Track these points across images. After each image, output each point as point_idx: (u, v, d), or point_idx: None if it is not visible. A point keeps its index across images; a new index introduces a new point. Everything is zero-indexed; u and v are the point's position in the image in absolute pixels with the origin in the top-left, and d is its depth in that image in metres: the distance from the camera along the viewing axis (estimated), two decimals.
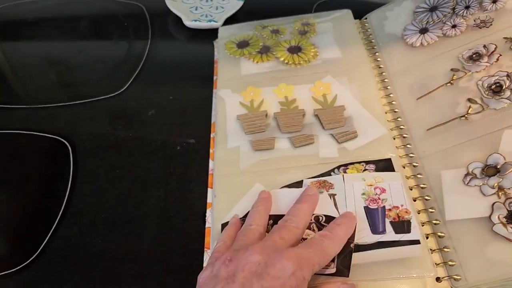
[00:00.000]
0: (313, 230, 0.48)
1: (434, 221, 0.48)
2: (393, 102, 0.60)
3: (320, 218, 0.49)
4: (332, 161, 0.54)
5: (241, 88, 0.63)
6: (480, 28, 0.58)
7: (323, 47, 0.67)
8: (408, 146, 0.55)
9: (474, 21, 0.60)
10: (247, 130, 0.57)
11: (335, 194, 0.51)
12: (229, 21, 0.78)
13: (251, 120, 0.58)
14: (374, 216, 0.48)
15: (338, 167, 0.53)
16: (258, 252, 0.40)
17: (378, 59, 0.65)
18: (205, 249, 0.50)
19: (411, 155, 0.54)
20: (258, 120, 0.58)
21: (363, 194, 0.50)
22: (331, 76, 0.63)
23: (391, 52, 0.65)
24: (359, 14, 0.74)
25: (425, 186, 0.51)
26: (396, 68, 0.63)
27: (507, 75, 0.52)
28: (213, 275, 0.40)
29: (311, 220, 0.48)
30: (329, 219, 0.48)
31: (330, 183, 0.52)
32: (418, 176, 0.52)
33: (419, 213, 0.49)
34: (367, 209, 0.49)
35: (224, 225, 0.50)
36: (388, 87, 0.61)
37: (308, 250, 0.40)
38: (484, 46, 0.56)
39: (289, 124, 0.57)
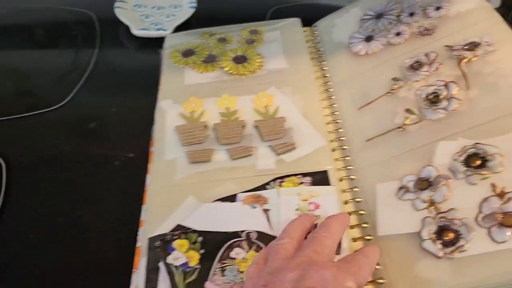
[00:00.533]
0: (242, 248, 0.46)
1: (367, 237, 0.47)
2: (336, 113, 0.58)
3: (251, 234, 0.47)
4: (269, 173, 0.53)
5: (183, 99, 0.61)
6: (423, 35, 0.57)
7: (269, 57, 0.66)
8: (347, 158, 0.53)
9: (418, 28, 0.59)
10: (184, 142, 0.56)
11: (269, 210, 0.49)
12: (182, 29, 0.76)
13: (189, 131, 0.57)
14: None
15: (275, 180, 0.52)
16: (292, 269, 0.37)
17: (324, 68, 0.64)
18: (133, 269, 0.48)
19: (349, 167, 0.52)
20: (197, 131, 0.57)
21: (297, 210, 0.49)
22: (275, 87, 0.61)
23: (337, 61, 0.64)
24: (317, 20, 0.73)
25: (360, 200, 0.49)
26: (341, 77, 0.62)
27: (445, 85, 0.51)
28: None
29: (241, 237, 0.47)
30: (261, 235, 0.47)
31: (265, 197, 0.50)
32: (355, 189, 0.51)
33: (352, 228, 0.48)
34: None
35: (151, 240, 0.48)
36: (332, 97, 0.60)
37: (346, 264, 0.38)
38: (426, 55, 0.55)
39: (227, 135, 0.56)
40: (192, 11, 0.79)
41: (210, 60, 0.66)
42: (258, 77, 0.63)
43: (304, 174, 0.52)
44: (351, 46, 0.63)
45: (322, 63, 0.65)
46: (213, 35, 0.70)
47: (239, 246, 0.47)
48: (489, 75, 0.49)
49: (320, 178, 0.52)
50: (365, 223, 0.48)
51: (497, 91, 0.48)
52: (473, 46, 0.52)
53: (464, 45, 0.53)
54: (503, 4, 0.78)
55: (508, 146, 0.44)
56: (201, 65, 0.65)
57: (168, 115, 0.60)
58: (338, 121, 0.58)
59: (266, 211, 0.49)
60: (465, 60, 0.51)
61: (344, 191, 0.51)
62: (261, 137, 0.56)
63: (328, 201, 0.49)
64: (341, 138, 0.56)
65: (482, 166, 0.43)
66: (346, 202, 0.50)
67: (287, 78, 0.63)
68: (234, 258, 0.46)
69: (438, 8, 0.58)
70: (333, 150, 0.55)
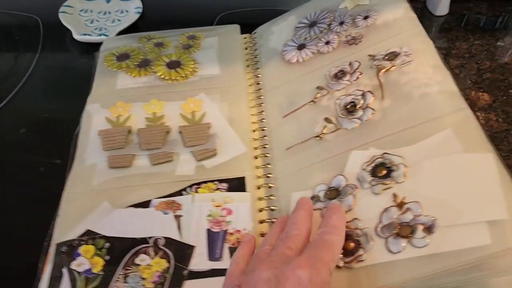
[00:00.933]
0: (148, 254, 0.45)
1: None
2: (263, 120, 0.58)
3: (159, 240, 0.47)
4: (188, 179, 0.52)
5: (112, 103, 0.61)
6: (350, 45, 0.57)
7: (204, 63, 0.65)
8: (268, 166, 0.53)
9: (346, 37, 0.59)
10: (106, 147, 0.55)
11: (181, 216, 0.49)
12: (127, 34, 0.75)
13: (111, 136, 0.56)
14: (214, 241, 0.47)
15: (191, 186, 0.51)
16: (266, 268, 0.37)
17: (258, 75, 0.64)
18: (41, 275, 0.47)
19: (269, 175, 0.52)
20: (119, 136, 0.56)
21: (209, 215, 0.48)
22: (205, 93, 0.61)
23: (270, 69, 0.63)
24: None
25: (275, 208, 0.49)
26: (272, 85, 0.61)
27: (362, 94, 0.51)
28: None
29: (149, 243, 0.46)
30: (169, 241, 0.46)
31: (178, 203, 0.50)
32: (271, 197, 0.50)
33: (263, 236, 0.47)
34: (209, 232, 0.47)
35: (59, 245, 0.47)
36: (262, 105, 0.60)
37: (315, 250, 0.38)
38: (350, 64, 0.55)
39: (150, 140, 0.55)
40: (137, 16, 0.79)
41: (144, 65, 0.65)
42: (190, 83, 0.63)
43: (221, 180, 0.52)
44: (284, 54, 0.63)
45: (257, 70, 0.65)
46: (150, 40, 0.70)
47: (145, 252, 0.46)
48: (404, 85, 0.49)
49: (236, 185, 0.51)
50: None
51: (409, 101, 0.48)
52: (393, 56, 0.52)
53: (385, 55, 0.53)
54: (456, 12, 0.78)
55: (413, 157, 0.44)
56: (135, 69, 0.65)
57: (94, 119, 0.59)
58: (264, 128, 0.57)
59: (178, 217, 0.49)
60: (383, 70, 0.51)
61: (260, 198, 0.51)
62: (183, 143, 0.55)
63: (240, 207, 0.49)
64: (265, 146, 0.55)
65: (387, 176, 0.43)
66: (261, 210, 0.50)
67: (218, 85, 0.62)
68: (138, 265, 0.45)
69: (366, 18, 0.59)
70: (256, 157, 0.55)
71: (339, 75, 0.54)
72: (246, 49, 0.69)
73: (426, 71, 0.49)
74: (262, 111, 0.59)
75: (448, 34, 0.75)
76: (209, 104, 0.59)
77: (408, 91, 0.48)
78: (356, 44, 0.57)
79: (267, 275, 0.36)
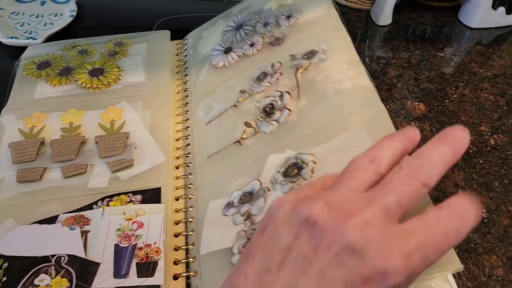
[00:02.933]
0: (49, 274, 0.42)
1: (191, 259, 0.43)
2: (188, 128, 0.55)
3: (62, 258, 0.44)
4: (100, 191, 0.49)
5: (28, 114, 0.57)
6: (274, 45, 0.55)
7: (128, 70, 0.63)
8: (189, 176, 0.50)
9: (270, 38, 0.57)
10: (15, 160, 0.52)
11: (89, 231, 0.46)
12: (59, 38, 0.73)
13: (22, 148, 0.53)
14: (121, 256, 0.44)
15: (103, 199, 0.48)
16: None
17: (187, 82, 0.61)
18: None
19: (189, 186, 0.49)
20: (30, 148, 0.53)
21: (118, 230, 0.46)
22: (127, 101, 0.58)
23: (199, 75, 0.61)
24: None
25: (193, 220, 0.46)
26: (200, 91, 0.59)
27: (280, 95, 0.49)
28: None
29: (51, 261, 0.43)
30: (73, 259, 0.43)
31: (87, 218, 0.47)
32: (190, 209, 0.48)
33: (177, 250, 0.44)
34: (116, 247, 0.44)
35: None
36: (188, 112, 0.57)
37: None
38: (272, 65, 0.53)
39: (62, 152, 0.52)
40: (70, 19, 0.76)
41: (65, 73, 0.63)
42: (112, 91, 0.60)
43: (136, 192, 0.49)
44: (211, 59, 0.60)
45: (185, 76, 0.62)
46: (75, 47, 0.67)
47: (46, 272, 0.43)
48: (319, 83, 0.47)
49: (151, 196, 0.49)
50: (192, 244, 0.45)
51: (324, 99, 0.46)
52: (311, 54, 0.51)
53: (304, 54, 0.51)
54: (400, 22, 0.78)
55: (322, 154, 0.42)
56: (55, 78, 0.62)
57: (7, 131, 0.56)
58: (188, 136, 0.55)
59: (85, 232, 0.46)
60: (301, 69, 0.50)
61: (178, 210, 0.48)
62: (99, 153, 0.52)
63: (153, 220, 0.46)
64: (188, 155, 0.53)
65: (297, 174, 0.41)
66: (177, 222, 0.47)
67: (141, 93, 0.60)
68: (37, 285, 0.42)
69: (288, 17, 0.57)
70: (177, 167, 0.52)
71: (261, 77, 0.53)
72: (177, 55, 0.67)
73: (341, 67, 0.47)
74: (188, 119, 0.57)
75: (389, 44, 0.74)
76: (130, 112, 0.57)
77: (323, 89, 0.47)
78: (279, 44, 0.55)
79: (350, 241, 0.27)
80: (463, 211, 0.28)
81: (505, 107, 0.64)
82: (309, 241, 0.28)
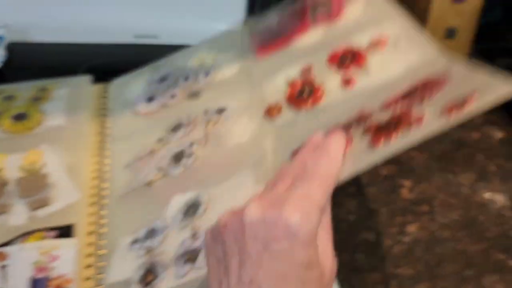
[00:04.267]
0: None
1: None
2: (105, 169, 0.61)
3: None
4: (19, 229, 0.54)
5: None
6: (191, 99, 0.63)
7: (50, 114, 0.68)
8: (101, 212, 0.56)
9: (188, 91, 0.64)
10: None
11: (8, 265, 0.50)
12: None
13: None
14: (34, 287, 0.49)
15: (22, 235, 0.53)
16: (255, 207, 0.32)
17: (107, 125, 0.67)
18: None
19: (101, 221, 0.55)
20: None
21: (35, 263, 0.51)
22: (48, 144, 0.64)
23: (120, 119, 0.67)
24: None
25: (103, 252, 0.52)
26: (120, 134, 0.65)
27: (190, 144, 0.56)
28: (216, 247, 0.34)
29: None
30: None
31: (5, 253, 0.52)
32: (101, 242, 0.53)
33: (88, 280, 0.50)
34: (32, 280, 0.49)
35: None
36: (106, 154, 0.63)
37: (307, 185, 0.33)
38: (188, 117, 0.60)
39: None
40: None
41: None
42: (34, 135, 0.66)
43: (51, 229, 0.54)
44: (135, 105, 0.67)
45: (106, 119, 0.68)
46: (0, 93, 0.72)
47: None
48: (222, 136, 0.55)
49: (65, 232, 0.54)
50: (101, 273, 0.51)
51: (224, 149, 0.54)
52: (220, 111, 0.59)
53: (216, 110, 0.59)
54: None
55: (216, 194, 0.49)
56: None
57: None
58: (104, 176, 0.61)
59: (4, 267, 0.51)
60: (211, 123, 0.57)
61: (90, 244, 0.54)
62: (19, 193, 0.58)
63: (66, 253, 0.52)
64: (101, 194, 0.58)
65: (194, 213, 0.48)
66: (90, 255, 0.52)
67: (61, 135, 0.65)
68: None
69: (206, 74, 0.65)
70: (91, 204, 0.58)
71: (177, 127, 0.60)
72: (99, 98, 0.73)
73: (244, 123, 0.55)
74: (105, 159, 0.63)
75: None
76: (49, 154, 0.63)
77: (226, 141, 0.54)
78: (197, 99, 0.63)
79: (255, 218, 0.31)
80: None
81: None
82: (229, 239, 0.33)
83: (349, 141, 0.38)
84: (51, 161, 0.62)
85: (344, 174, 0.36)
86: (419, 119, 0.40)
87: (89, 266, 0.52)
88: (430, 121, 0.39)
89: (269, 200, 0.33)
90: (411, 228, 0.60)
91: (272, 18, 0.66)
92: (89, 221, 0.56)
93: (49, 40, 0.92)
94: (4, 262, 0.51)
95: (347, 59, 0.53)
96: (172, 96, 0.65)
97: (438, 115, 0.39)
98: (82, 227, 0.55)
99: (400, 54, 0.47)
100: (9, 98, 0.72)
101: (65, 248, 0.52)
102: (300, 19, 0.61)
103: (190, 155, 0.55)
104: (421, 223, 0.60)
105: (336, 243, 0.56)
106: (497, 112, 0.74)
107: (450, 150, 0.71)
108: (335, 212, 0.62)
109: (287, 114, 0.53)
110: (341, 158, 0.35)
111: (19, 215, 0.56)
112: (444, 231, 0.59)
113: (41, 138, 0.66)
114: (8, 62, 0.84)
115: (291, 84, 0.55)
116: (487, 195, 0.62)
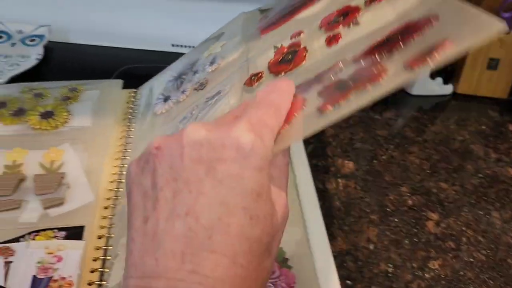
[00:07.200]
0: None
1: None
2: (123, 172, 0.61)
3: None
4: (29, 226, 0.54)
5: None
6: (198, 91, 0.61)
7: (77, 114, 0.69)
8: (114, 216, 0.56)
9: (196, 84, 0.63)
10: None
11: (12, 262, 0.50)
12: (24, 80, 0.80)
13: None
14: (36, 287, 0.48)
15: (31, 233, 0.53)
16: (197, 128, 0.29)
17: (131, 129, 0.68)
18: None
19: (113, 225, 0.55)
20: None
21: (39, 262, 0.50)
22: (70, 143, 0.64)
23: (142, 122, 0.67)
24: None
25: (109, 258, 0.51)
26: (140, 137, 0.65)
27: None
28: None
29: None
30: None
31: (13, 249, 0.52)
32: (109, 247, 0.53)
33: (91, 285, 0.49)
34: (33, 278, 0.49)
35: None
36: (127, 158, 0.63)
37: (259, 112, 0.31)
38: (193, 110, 0.59)
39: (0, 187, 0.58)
40: (34, 62, 0.83)
41: (19, 114, 0.69)
42: (59, 133, 0.66)
43: (61, 229, 0.54)
44: (154, 107, 0.67)
45: (132, 124, 0.68)
46: (32, 90, 0.73)
47: None
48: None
49: (74, 233, 0.54)
50: (105, 279, 0.50)
51: None
52: (217, 95, 0.57)
53: (213, 95, 0.57)
54: None
55: None
56: (8, 117, 0.68)
57: None
58: (121, 180, 0.60)
59: (8, 263, 0.51)
60: (207, 109, 0.56)
61: (98, 248, 0.53)
62: (35, 190, 0.58)
63: (71, 255, 0.51)
64: (117, 197, 0.58)
65: None
66: (96, 259, 0.52)
67: (84, 136, 0.66)
68: None
69: (211, 63, 0.63)
70: (106, 207, 0.57)
71: (183, 121, 0.59)
72: (128, 103, 0.73)
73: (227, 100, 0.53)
74: (125, 163, 0.62)
75: None
76: (70, 154, 0.63)
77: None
78: (202, 89, 0.61)
79: (197, 137, 0.28)
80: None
81: (427, 171, 0.71)
82: (163, 165, 0.29)
83: (300, 100, 0.35)
84: (70, 161, 0.62)
85: (294, 136, 0.33)
86: (379, 75, 0.35)
87: (94, 270, 0.51)
88: (391, 76, 0.34)
89: (215, 123, 0.30)
90: (434, 265, 0.57)
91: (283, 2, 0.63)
92: (100, 225, 0.55)
93: (88, 42, 0.93)
94: (9, 258, 0.51)
95: (340, 18, 0.48)
96: (183, 92, 0.64)
97: (401, 68, 0.34)
98: (92, 230, 0.54)
99: (397, 3, 0.42)
100: (40, 95, 0.73)
101: (71, 250, 0.52)
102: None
103: None
104: (444, 260, 0.57)
105: (352, 272, 0.54)
106: None
107: (484, 185, 0.67)
108: (354, 240, 0.60)
109: (266, 80, 0.49)
110: (290, 97, 0.33)
111: (31, 212, 0.56)
112: (468, 271, 0.55)
113: (64, 137, 0.66)
114: (45, 60, 0.85)
115: (277, 52, 0.51)
116: None
